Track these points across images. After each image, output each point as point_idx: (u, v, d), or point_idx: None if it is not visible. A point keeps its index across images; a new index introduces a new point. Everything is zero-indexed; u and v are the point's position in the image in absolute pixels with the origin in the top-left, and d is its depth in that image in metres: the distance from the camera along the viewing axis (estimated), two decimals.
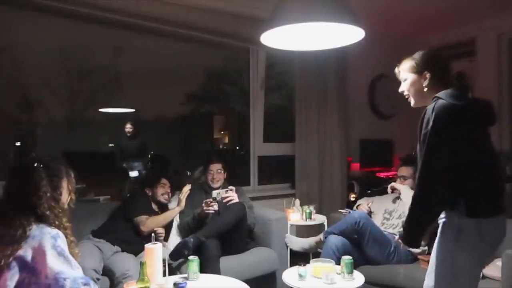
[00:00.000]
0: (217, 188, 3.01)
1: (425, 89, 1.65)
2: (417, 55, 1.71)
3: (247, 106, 4.14)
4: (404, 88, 1.73)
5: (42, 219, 1.47)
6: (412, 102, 1.73)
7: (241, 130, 5.01)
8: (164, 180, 2.92)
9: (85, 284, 1.43)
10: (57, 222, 1.49)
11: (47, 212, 1.48)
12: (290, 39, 2.29)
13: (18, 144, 3.76)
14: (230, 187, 2.93)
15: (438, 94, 1.55)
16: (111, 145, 4.60)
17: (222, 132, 5.64)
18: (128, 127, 4.08)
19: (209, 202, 2.80)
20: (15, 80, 3.46)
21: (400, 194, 2.92)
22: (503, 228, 1.59)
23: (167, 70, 4.41)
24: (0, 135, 3.43)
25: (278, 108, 4.87)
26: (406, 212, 2.52)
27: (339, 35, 2.21)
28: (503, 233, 1.59)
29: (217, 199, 2.84)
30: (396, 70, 1.78)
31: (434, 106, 1.51)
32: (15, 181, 1.54)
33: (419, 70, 1.67)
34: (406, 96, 1.75)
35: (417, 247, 1.69)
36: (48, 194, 1.51)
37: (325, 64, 4.01)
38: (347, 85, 4.27)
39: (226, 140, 5.67)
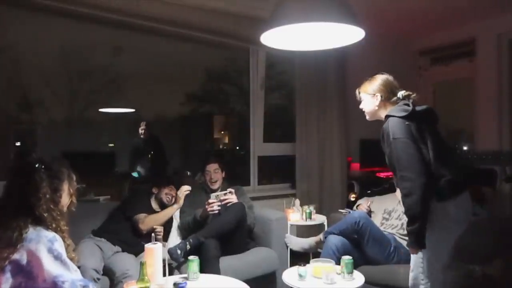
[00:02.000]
0: (217, 189, 3.02)
1: (376, 107, 2.08)
2: (373, 80, 2.10)
3: (247, 106, 4.14)
4: (362, 106, 2.15)
5: (39, 221, 1.46)
6: (367, 117, 2.15)
7: (241, 130, 5.01)
8: (172, 186, 2.96)
9: (84, 286, 1.43)
10: (54, 225, 1.48)
11: (45, 214, 1.47)
12: (290, 39, 2.28)
13: (18, 144, 3.76)
14: (229, 190, 2.93)
15: (389, 113, 1.97)
16: (111, 145, 4.60)
17: (222, 132, 5.64)
18: (142, 127, 4.06)
19: (211, 202, 2.81)
20: (15, 80, 3.46)
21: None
22: (466, 206, 1.94)
23: (167, 70, 4.40)
24: (0, 135, 3.43)
25: (278, 108, 4.86)
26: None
27: (339, 35, 2.21)
28: (468, 211, 1.96)
29: (216, 201, 2.85)
30: (357, 91, 2.17)
31: (389, 123, 1.93)
32: (15, 181, 1.53)
33: (371, 92, 2.09)
34: (364, 112, 2.15)
35: (424, 246, 1.90)
36: (48, 196, 1.50)
37: (325, 64, 4.01)
38: (347, 85, 4.26)
39: (226, 140, 5.67)
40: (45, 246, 1.40)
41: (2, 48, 3.17)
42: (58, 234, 1.48)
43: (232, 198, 2.88)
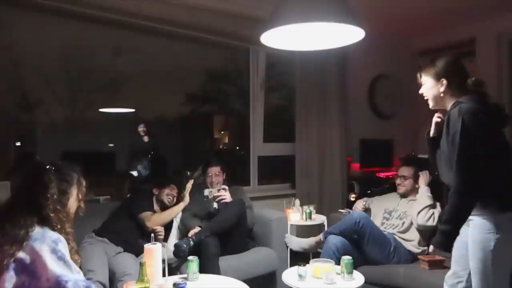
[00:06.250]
0: None
1: (441, 94, 1.82)
2: (439, 61, 1.85)
3: (247, 106, 4.14)
4: (423, 91, 1.90)
5: (45, 221, 1.48)
6: (430, 104, 1.89)
7: (241, 130, 5.00)
8: (173, 185, 2.97)
9: (86, 287, 1.45)
10: (59, 226, 1.51)
11: (52, 214, 1.50)
12: (290, 39, 2.29)
13: (18, 144, 3.76)
14: (223, 186, 2.95)
15: (460, 100, 1.73)
16: (111, 145, 4.60)
17: (222, 132, 5.63)
18: (142, 128, 4.12)
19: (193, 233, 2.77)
20: (15, 80, 3.46)
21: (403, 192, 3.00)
22: None
23: (167, 70, 4.40)
24: (0, 135, 3.43)
25: (278, 108, 4.86)
26: (412, 211, 2.58)
27: (339, 35, 2.21)
28: None
29: (209, 197, 2.89)
30: (418, 74, 1.92)
31: (459, 110, 1.67)
32: (25, 180, 1.57)
33: (437, 76, 1.82)
34: (426, 98, 1.90)
35: (450, 250, 1.80)
36: (55, 197, 1.53)
37: (325, 64, 4.01)
38: (347, 85, 4.26)
39: (226, 140, 5.66)
40: (49, 247, 1.42)
41: (2, 48, 3.16)
42: (62, 235, 1.50)
43: (226, 195, 2.90)
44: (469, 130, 1.64)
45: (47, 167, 1.57)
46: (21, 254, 1.40)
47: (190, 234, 2.69)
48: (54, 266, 1.40)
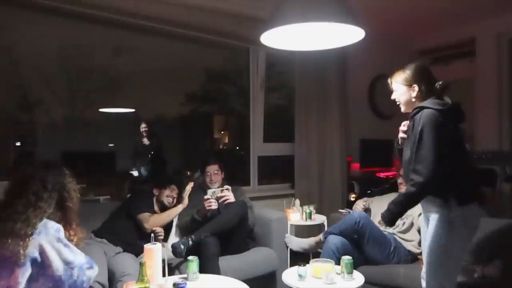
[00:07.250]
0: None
1: (413, 99, 1.96)
2: (408, 68, 1.98)
3: (247, 106, 4.14)
4: (395, 96, 2.04)
5: (66, 211, 1.61)
6: (402, 108, 2.04)
7: (241, 130, 5.01)
8: (173, 186, 2.96)
9: (89, 268, 1.57)
10: (72, 216, 1.65)
11: (71, 205, 1.63)
12: (290, 39, 2.29)
13: (18, 144, 3.76)
14: (226, 186, 2.93)
15: (423, 104, 1.87)
16: (111, 145, 4.60)
17: (222, 132, 5.63)
18: (144, 127, 4.14)
19: (208, 199, 2.82)
20: (15, 80, 3.46)
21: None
22: (479, 213, 1.91)
23: (167, 70, 4.40)
24: (0, 135, 3.43)
25: (278, 108, 4.86)
26: (412, 212, 2.61)
27: (339, 35, 2.21)
28: (479, 218, 1.92)
29: (212, 198, 2.84)
30: (389, 80, 2.05)
31: (422, 114, 1.83)
32: (56, 171, 1.65)
33: (408, 83, 1.96)
34: (398, 103, 2.05)
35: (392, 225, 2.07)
36: (75, 193, 1.68)
37: (325, 64, 4.01)
38: (347, 85, 4.26)
39: (226, 140, 5.66)
40: (54, 236, 1.51)
41: (2, 48, 3.16)
42: (68, 227, 1.62)
43: (229, 195, 2.88)
44: (430, 131, 1.78)
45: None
46: (29, 249, 1.46)
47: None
48: (61, 255, 1.50)
